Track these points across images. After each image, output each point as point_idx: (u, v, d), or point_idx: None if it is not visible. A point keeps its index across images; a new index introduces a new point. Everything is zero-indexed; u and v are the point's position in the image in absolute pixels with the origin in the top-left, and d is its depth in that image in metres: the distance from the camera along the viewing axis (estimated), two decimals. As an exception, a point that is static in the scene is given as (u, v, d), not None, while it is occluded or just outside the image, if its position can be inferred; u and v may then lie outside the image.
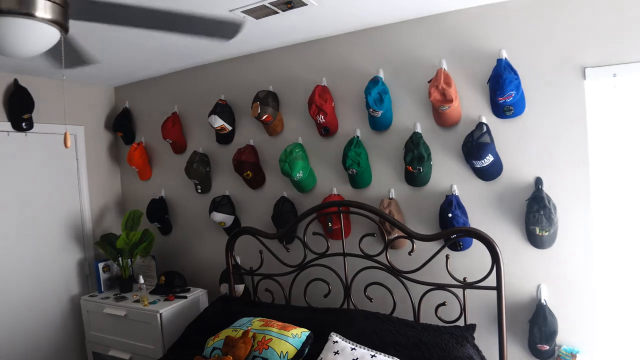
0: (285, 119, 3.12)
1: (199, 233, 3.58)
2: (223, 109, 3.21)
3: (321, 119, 2.84)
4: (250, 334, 2.42)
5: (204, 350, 2.54)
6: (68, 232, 3.55)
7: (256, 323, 2.55)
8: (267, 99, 3.02)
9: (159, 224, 3.69)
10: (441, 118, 2.59)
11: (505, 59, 2.38)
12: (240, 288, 3.23)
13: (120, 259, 3.50)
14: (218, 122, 3.18)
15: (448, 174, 2.65)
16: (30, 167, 3.33)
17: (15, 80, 3.20)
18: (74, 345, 3.55)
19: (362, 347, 2.22)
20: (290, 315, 2.70)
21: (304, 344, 2.36)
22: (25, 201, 3.29)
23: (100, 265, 3.57)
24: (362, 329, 2.42)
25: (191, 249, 3.64)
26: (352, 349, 2.20)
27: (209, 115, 3.20)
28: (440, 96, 2.46)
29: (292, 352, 2.30)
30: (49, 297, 3.41)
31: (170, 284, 3.39)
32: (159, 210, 3.65)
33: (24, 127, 3.22)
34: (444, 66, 2.54)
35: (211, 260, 3.52)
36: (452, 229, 2.52)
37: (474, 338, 2.34)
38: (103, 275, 3.58)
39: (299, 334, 2.39)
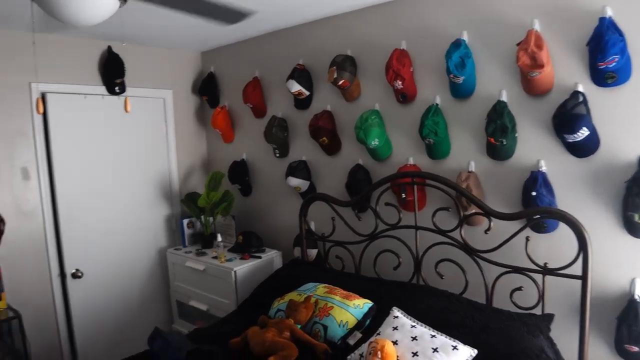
0: (362, 85, 3.02)
1: (277, 196, 3.65)
2: (300, 74, 3.17)
3: (398, 84, 2.70)
4: (312, 299, 2.45)
5: (270, 310, 2.62)
6: (157, 189, 3.79)
7: (320, 289, 2.56)
8: (344, 64, 2.92)
9: (240, 186, 3.81)
10: (530, 85, 2.33)
11: (610, 17, 2.06)
12: (313, 253, 3.27)
13: (202, 216, 3.68)
14: (295, 87, 3.16)
15: (535, 147, 2.41)
16: (124, 128, 3.57)
17: (109, 47, 3.41)
18: (160, 293, 3.85)
19: (423, 325, 2.14)
20: (356, 284, 2.67)
21: (365, 316, 2.33)
22: (120, 161, 3.55)
23: (185, 221, 3.79)
24: (429, 306, 2.33)
25: (269, 211, 3.73)
26: (412, 326, 2.13)
27: (287, 80, 3.18)
28: (530, 60, 2.20)
29: (352, 322, 2.28)
30: (140, 248, 3.71)
31: (247, 244, 3.51)
32: (240, 172, 3.77)
33: (117, 90, 3.44)
34: (536, 27, 2.27)
35: (287, 223, 3.59)
36: (536, 208, 2.30)
37: (549, 330, 2.15)
38: (187, 231, 3.80)
39: (361, 305, 2.37)
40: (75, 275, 3.29)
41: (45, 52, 3.12)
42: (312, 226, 3.31)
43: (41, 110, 2.01)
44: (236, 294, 3.17)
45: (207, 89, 3.92)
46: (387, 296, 2.50)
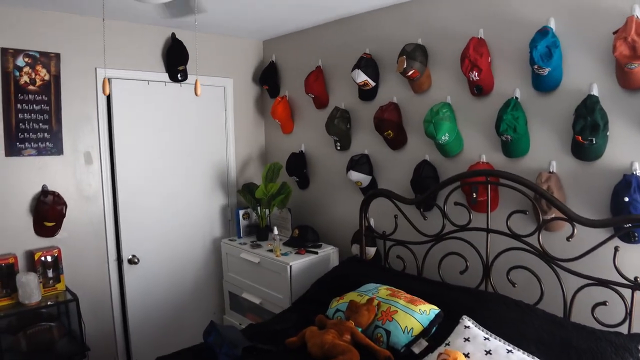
0: (433, 76, 2.84)
1: (335, 190, 3.53)
2: (367, 63, 3.03)
3: (474, 76, 2.51)
4: (375, 302, 2.31)
5: (327, 310, 2.51)
6: (214, 178, 3.77)
7: (383, 291, 2.42)
8: (415, 53, 2.75)
9: (297, 178, 3.72)
10: (627, 78, 2.08)
11: None
12: (371, 251, 3.13)
13: (258, 208, 3.62)
14: (361, 77, 3.02)
15: (629, 148, 2.15)
16: (184, 116, 3.56)
17: (173, 34, 3.39)
18: (213, 283, 3.83)
19: (497, 338, 1.96)
20: (419, 287, 2.52)
21: (432, 323, 2.17)
22: (178, 148, 3.55)
23: (241, 212, 3.75)
24: (500, 317, 2.14)
25: (326, 205, 3.62)
26: (486, 338, 1.95)
27: (352, 69, 3.05)
28: (629, 51, 1.96)
29: (417, 328, 2.13)
30: (195, 237, 3.70)
31: (303, 238, 3.42)
32: (298, 164, 3.68)
33: (179, 78, 3.42)
34: (637, 13, 2.01)
35: (345, 219, 3.46)
36: (627, 216, 2.05)
37: (638, 351, 1.92)
38: (243, 222, 3.76)
39: (427, 311, 2.21)
40: (131, 261, 3.31)
41: (112, 39, 3.14)
42: (372, 223, 3.17)
43: (107, 91, 1.97)
44: (290, 290, 3.08)
45: (267, 78, 3.85)
46: (453, 302, 2.33)
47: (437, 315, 2.21)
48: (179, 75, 3.41)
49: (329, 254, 3.33)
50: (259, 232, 3.64)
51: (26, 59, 2.81)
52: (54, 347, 2.79)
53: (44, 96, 2.88)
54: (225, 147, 3.84)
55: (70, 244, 3.05)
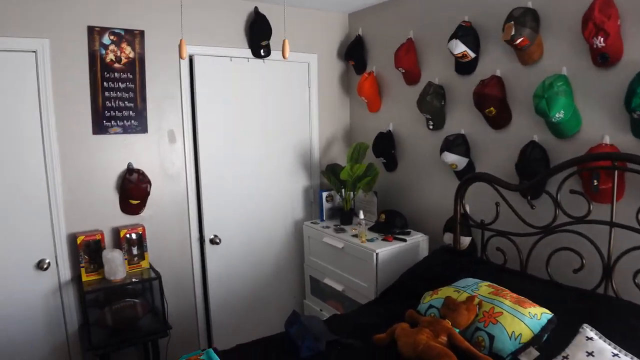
0: (545, 44, 2.45)
1: (427, 173, 3.25)
2: (466, 32, 2.70)
3: (599, 42, 2.12)
4: (476, 300, 2.04)
5: (419, 305, 2.28)
6: (297, 158, 3.63)
7: (484, 288, 2.15)
8: (524, 18, 2.39)
9: (385, 159, 3.49)
10: None
11: None
12: (465, 241, 2.84)
13: (342, 190, 3.44)
14: (459, 48, 2.70)
15: None
16: (266, 93, 3.43)
17: (256, 8, 3.25)
18: (295, 267, 3.72)
19: (630, 355, 1.63)
20: (524, 286, 2.21)
21: (544, 329, 1.87)
22: (261, 127, 3.44)
23: (324, 194, 3.59)
24: (630, 328, 1.80)
25: (416, 189, 3.35)
26: (614, 354, 1.64)
27: (449, 39, 2.74)
28: None
29: (526, 335, 1.84)
30: (277, 219, 3.60)
31: (390, 224, 3.19)
32: (386, 144, 3.43)
33: (262, 54, 3.29)
34: None
35: (437, 204, 3.18)
36: None
37: None
38: (326, 205, 3.60)
39: (538, 315, 1.91)
40: (213, 241, 3.28)
41: (195, 14, 3.06)
42: (468, 210, 2.87)
43: (184, 54, 1.88)
44: (376, 279, 2.88)
45: (353, 53, 3.62)
46: (566, 306, 2.01)
47: (549, 321, 1.90)
48: (262, 50, 3.28)
49: (418, 242, 3.08)
50: (343, 216, 3.46)
51: (112, 37, 2.79)
52: (137, 323, 2.81)
53: (129, 74, 2.87)
54: (309, 126, 3.68)
55: (154, 222, 3.06)
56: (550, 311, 1.96)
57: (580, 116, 2.34)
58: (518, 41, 2.39)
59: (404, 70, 3.17)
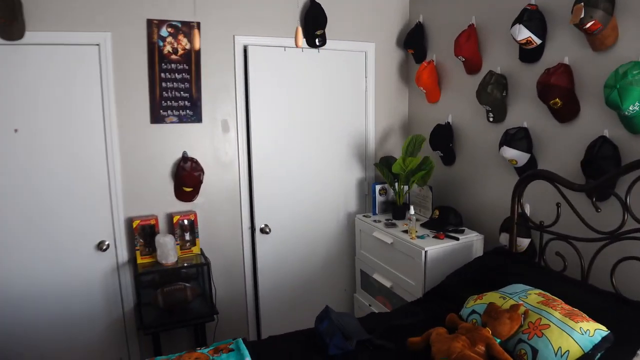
0: (621, 27, 2.18)
1: (485, 169, 3.05)
2: (531, 17, 2.47)
3: (686, 24, 1.84)
4: (522, 309, 1.88)
5: (462, 309, 2.15)
6: (351, 150, 3.55)
7: (533, 297, 1.97)
8: (597, -1, 2.14)
9: (442, 153, 3.32)
10: None
11: None
12: (524, 243, 2.64)
13: (396, 184, 3.32)
14: (523, 34, 2.48)
15: None
16: (321, 83, 3.38)
17: (311, -4, 3.21)
18: (346, 259, 3.67)
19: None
20: (583, 297, 2.00)
21: (596, 348, 1.67)
22: (315, 117, 3.39)
23: (377, 187, 3.49)
24: None
25: (474, 185, 3.16)
26: (678, 383, 1.43)
27: (512, 25, 2.52)
28: None
29: (575, 352, 1.66)
30: (329, 211, 3.56)
31: (444, 220, 3.04)
32: (444, 137, 3.26)
33: (317, 43, 3.23)
34: None
35: (494, 202, 2.98)
36: None
37: None
38: (379, 198, 3.50)
39: (590, 331, 1.71)
40: (263, 231, 3.30)
41: (249, 5, 3.08)
42: (527, 210, 2.66)
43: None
44: (424, 277, 2.75)
45: (413, 41, 3.46)
46: (629, 325, 1.79)
47: (604, 339, 1.70)
48: (317, 40, 3.23)
49: (472, 241, 2.90)
50: (395, 210, 3.35)
51: (169, 29, 2.87)
52: (187, 306, 2.91)
53: (185, 65, 2.94)
54: (365, 117, 3.58)
55: (206, 209, 3.13)
56: (608, 328, 1.76)
57: (659, 109, 2.07)
58: (588, 25, 2.15)
59: (464, 59, 2.98)
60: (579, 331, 1.71)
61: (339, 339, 1.91)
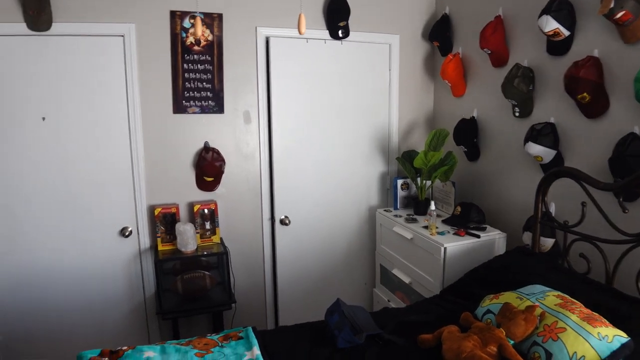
0: (655, 18, 2.07)
1: (510, 165, 2.96)
2: (560, 7, 2.37)
3: None
4: (538, 311, 1.82)
5: (478, 308, 2.10)
6: (374, 143, 3.51)
7: (551, 298, 1.90)
8: (630, -12, 2.03)
9: (466, 148, 3.24)
10: None
11: None
12: (548, 243, 2.55)
13: (418, 179, 3.27)
14: (551, 25, 2.38)
15: None
16: (343, 75, 3.35)
17: (332, -14, 3.17)
18: (366, 253, 3.65)
19: None
20: (605, 301, 1.92)
21: (614, 355, 1.60)
22: (337, 110, 3.37)
23: (399, 181, 3.44)
24: None
25: (498, 182, 3.08)
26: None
27: (540, 15, 2.43)
28: None
29: (590, 357, 1.59)
30: (350, 204, 3.53)
31: (466, 217, 2.97)
32: (468, 132, 3.19)
33: (340, 35, 3.20)
34: None
35: (519, 200, 2.89)
36: None
37: None
38: (400, 193, 3.45)
39: (609, 337, 1.64)
40: (283, 222, 3.31)
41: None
42: (552, 209, 2.57)
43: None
44: (443, 274, 2.70)
45: (439, 33, 3.38)
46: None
47: (623, 346, 1.62)
48: (339, 32, 3.20)
49: (493, 239, 2.83)
50: (417, 205, 3.30)
51: (191, 20, 2.89)
52: (205, 293, 2.95)
53: (207, 56, 2.96)
54: (388, 110, 3.53)
55: (227, 199, 3.16)
56: (630, 335, 1.68)
57: (694, 105, 1.96)
58: (619, 15, 2.05)
59: (490, 51, 2.90)
60: (597, 336, 1.64)
61: (348, 333, 1.89)
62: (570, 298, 1.91)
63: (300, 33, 1.80)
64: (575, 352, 1.62)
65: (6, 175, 2.71)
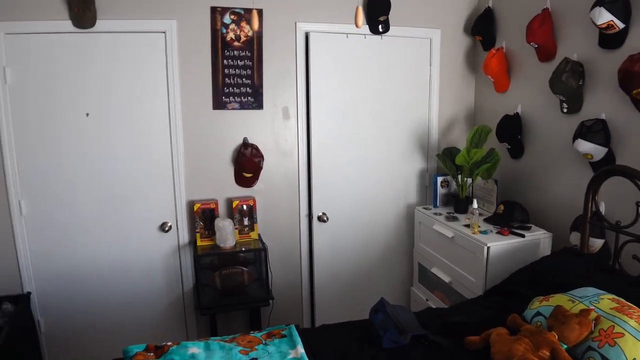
0: None
1: (556, 163, 2.87)
2: (615, -3, 2.27)
3: None
4: (593, 315, 1.75)
5: (526, 310, 2.03)
6: (413, 140, 3.45)
7: (605, 302, 1.83)
8: (695, -23, 1.93)
9: (509, 145, 3.15)
10: None
11: None
12: (597, 243, 2.46)
13: (459, 176, 3.20)
14: (604, 17, 2.28)
15: None
16: (383, 71, 3.30)
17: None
18: (404, 251, 3.60)
19: None
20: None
21: (677, 362, 1.53)
22: (376, 106, 3.33)
23: (439, 179, 3.38)
24: None
25: (543, 180, 2.98)
26: None
27: (592, 7, 2.33)
28: None
29: (652, 365, 1.53)
30: (388, 201, 3.49)
31: (509, 216, 2.89)
32: (512, 128, 3.10)
33: (380, 29, 3.16)
34: None
35: (565, 199, 2.80)
36: None
37: None
38: (440, 190, 3.39)
39: (671, 343, 1.57)
40: (321, 219, 3.29)
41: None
42: (602, 209, 2.47)
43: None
44: (485, 274, 2.64)
45: (481, 27, 3.29)
46: None
47: (687, 353, 1.55)
48: (380, 26, 3.15)
49: (538, 239, 2.75)
50: (458, 203, 3.23)
51: (232, 16, 2.90)
52: (244, 289, 2.96)
53: (247, 52, 2.96)
54: (428, 106, 3.46)
55: (265, 195, 3.17)
56: (692, 341, 1.60)
57: None
58: (682, 6, 1.94)
59: (537, 45, 2.80)
60: (658, 342, 1.56)
61: (393, 333, 1.86)
62: (625, 302, 1.82)
63: (357, 27, 1.77)
64: (635, 358, 1.55)
65: (52, 171, 2.78)
